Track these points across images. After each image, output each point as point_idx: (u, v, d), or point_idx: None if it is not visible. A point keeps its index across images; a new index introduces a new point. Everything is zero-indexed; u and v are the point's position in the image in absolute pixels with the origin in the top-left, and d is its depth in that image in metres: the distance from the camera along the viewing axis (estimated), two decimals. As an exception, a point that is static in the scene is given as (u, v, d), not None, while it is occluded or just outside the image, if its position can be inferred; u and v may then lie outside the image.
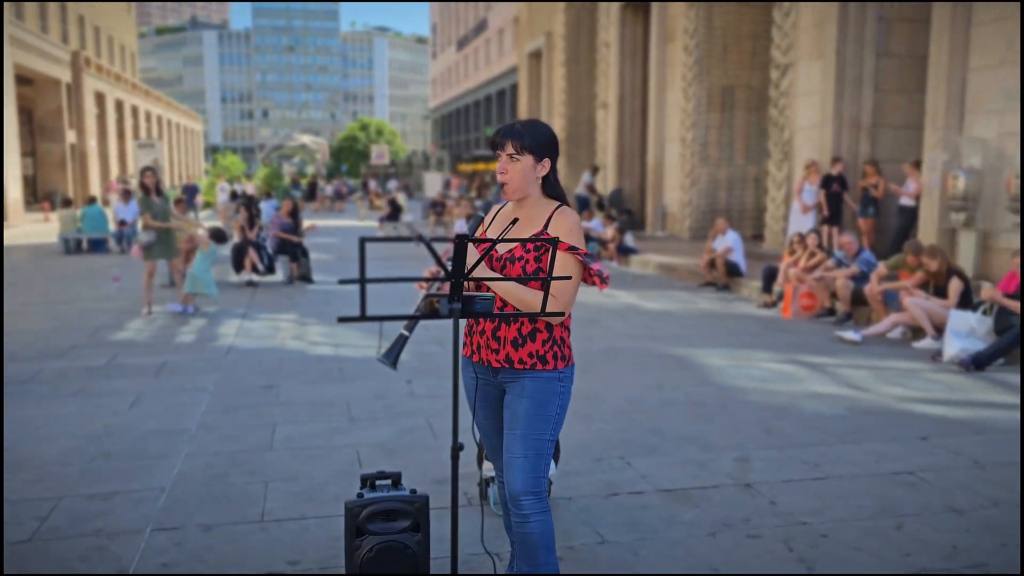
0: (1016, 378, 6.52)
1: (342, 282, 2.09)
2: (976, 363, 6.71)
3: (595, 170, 20.94)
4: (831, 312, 9.09)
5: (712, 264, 11.38)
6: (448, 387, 6.06)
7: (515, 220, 2.66)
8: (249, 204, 13.42)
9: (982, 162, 9.32)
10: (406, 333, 2.64)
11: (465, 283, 2.40)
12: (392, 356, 2.61)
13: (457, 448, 2.25)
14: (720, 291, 11.16)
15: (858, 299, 8.77)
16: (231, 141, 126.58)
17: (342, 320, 2.18)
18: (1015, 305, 6.93)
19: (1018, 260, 7.08)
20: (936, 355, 7.16)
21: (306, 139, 68.69)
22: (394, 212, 23.26)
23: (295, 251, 12.32)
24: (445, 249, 2.62)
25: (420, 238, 2.10)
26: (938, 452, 4.72)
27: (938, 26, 9.91)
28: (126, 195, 18.25)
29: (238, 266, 12.06)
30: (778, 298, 9.72)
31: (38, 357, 7.14)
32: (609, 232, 14.64)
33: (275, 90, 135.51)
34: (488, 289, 2.62)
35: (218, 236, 10.17)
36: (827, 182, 11.94)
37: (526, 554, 2.65)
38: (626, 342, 7.89)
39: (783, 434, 5.05)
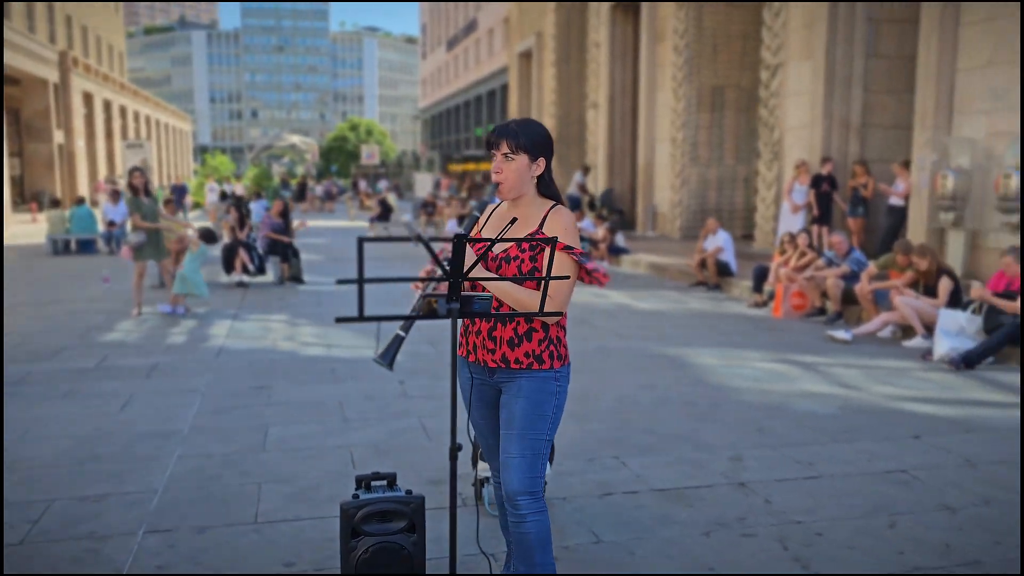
0: (1006, 376, 6.57)
1: (340, 282, 2.08)
2: (966, 362, 6.75)
3: (586, 170, 20.97)
4: (822, 311, 9.13)
5: (703, 264, 11.41)
6: (441, 387, 6.06)
7: (514, 219, 2.65)
8: (239, 204, 13.37)
9: (970, 162, 9.38)
10: (402, 334, 2.64)
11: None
12: (389, 357, 2.61)
13: (456, 449, 2.24)
14: (711, 291, 11.19)
15: (848, 298, 8.82)
16: (220, 141, 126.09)
17: (340, 320, 2.17)
18: (1004, 304, 6.97)
19: (1007, 259, 7.12)
20: (926, 354, 7.20)
21: (296, 139, 68.57)
22: (384, 212, 23.21)
23: (286, 251, 12.28)
24: (441, 249, 2.61)
25: (419, 238, 2.09)
26: (930, 450, 4.75)
27: (927, 27, 9.96)
28: (115, 196, 18.16)
29: (228, 267, 12.01)
30: (769, 298, 9.76)
31: (27, 359, 7.08)
32: (600, 232, 14.65)
33: (264, 90, 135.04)
34: (484, 289, 2.61)
35: (208, 237, 10.13)
36: (817, 182, 11.99)
37: (523, 554, 2.65)
38: (618, 342, 7.90)
39: (776, 433, 5.07)
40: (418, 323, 2.94)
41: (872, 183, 11.47)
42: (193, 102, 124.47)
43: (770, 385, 6.26)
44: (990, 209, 9.21)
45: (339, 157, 73.63)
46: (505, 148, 2.66)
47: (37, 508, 3.87)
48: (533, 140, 2.67)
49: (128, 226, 14.09)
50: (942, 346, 7.04)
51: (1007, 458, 4.62)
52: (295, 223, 13.54)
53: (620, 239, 14.70)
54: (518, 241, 2.56)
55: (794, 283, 9.28)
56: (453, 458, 2.24)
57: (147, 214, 9.37)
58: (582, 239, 14.53)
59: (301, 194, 36.62)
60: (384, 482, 3.06)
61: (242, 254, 11.91)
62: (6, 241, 19.70)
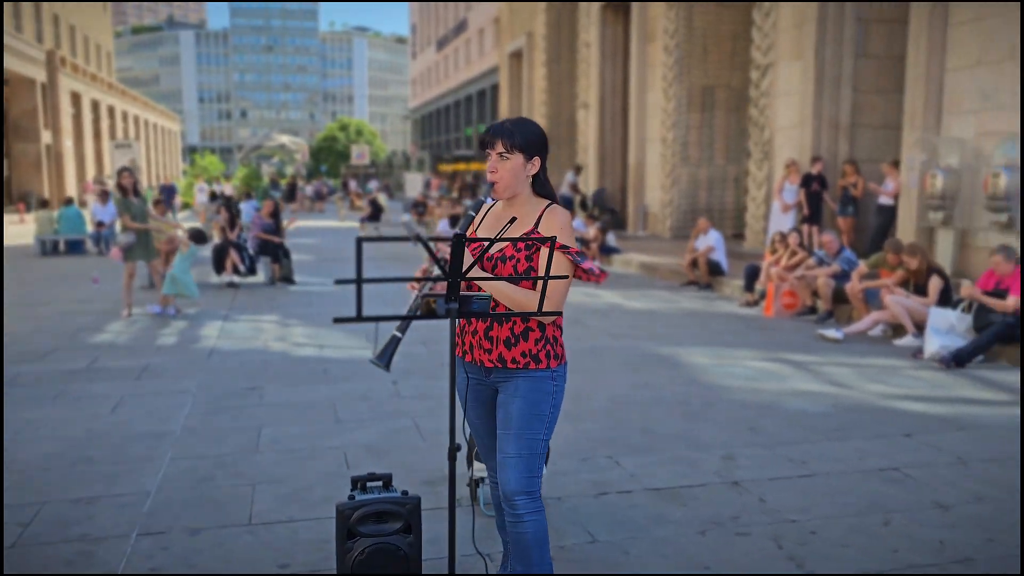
0: (996, 375, 6.61)
1: (338, 282, 2.07)
2: (956, 360, 6.79)
3: (578, 169, 20.99)
4: (813, 310, 9.16)
5: (694, 263, 11.43)
6: (434, 387, 6.05)
7: (513, 219, 2.65)
8: (228, 205, 13.32)
9: (959, 162, 9.43)
10: (399, 335, 2.63)
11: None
12: (386, 358, 2.60)
13: (455, 449, 2.24)
14: (702, 290, 11.21)
15: (839, 297, 8.85)
16: (209, 141, 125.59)
17: (338, 321, 2.16)
18: (994, 302, 7.01)
19: (996, 258, 7.16)
20: (917, 352, 7.24)
21: (285, 139, 68.33)
22: (375, 212, 23.15)
23: (277, 252, 12.24)
24: (437, 248, 2.60)
25: (418, 238, 2.09)
26: (922, 448, 4.77)
27: (915, 27, 10.01)
28: (103, 196, 18.05)
29: (219, 267, 11.96)
30: (760, 297, 9.79)
31: (16, 360, 7.03)
32: (591, 232, 14.67)
33: (253, 90, 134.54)
34: (480, 289, 2.61)
35: (198, 237, 10.08)
36: (807, 181, 12.03)
37: (520, 554, 2.64)
38: (610, 341, 7.91)
39: (769, 432, 5.08)
40: (412, 323, 2.94)
41: (862, 183, 11.52)
42: (182, 102, 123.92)
43: (762, 384, 6.28)
44: (979, 208, 9.26)
45: (329, 157, 73.44)
46: (500, 147, 2.65)
47: (29, 511, 3.84)
48: (528, 139, 2.67)
49: (117, 227, 14.01)
50: (932, 344, 7.08)
51: (998, 456, 4.65)
52: (285, 221, 13.51)
53: (611, 239, 14.72)
54: (514, 240, 2.56)
55: (785, 282, 9.32)
56: (452, 459, 2.24)
57: (136, 215, 9.32)
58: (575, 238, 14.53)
59: (291, 194, 36.48)
60: (380, 483, 3.05)
61: (232, 255, 11.86)
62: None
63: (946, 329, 7.14)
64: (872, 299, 8.33)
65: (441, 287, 2.23)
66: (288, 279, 12.19)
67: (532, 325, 2.62)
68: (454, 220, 15.72)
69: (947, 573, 3.28)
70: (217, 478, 4.29)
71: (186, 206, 32.99)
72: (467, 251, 2.49)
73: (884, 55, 11.88)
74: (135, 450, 4.72)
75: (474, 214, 2.84)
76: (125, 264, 9.36)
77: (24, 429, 5.10)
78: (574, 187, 20.21)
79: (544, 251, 2.59)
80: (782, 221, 12.29)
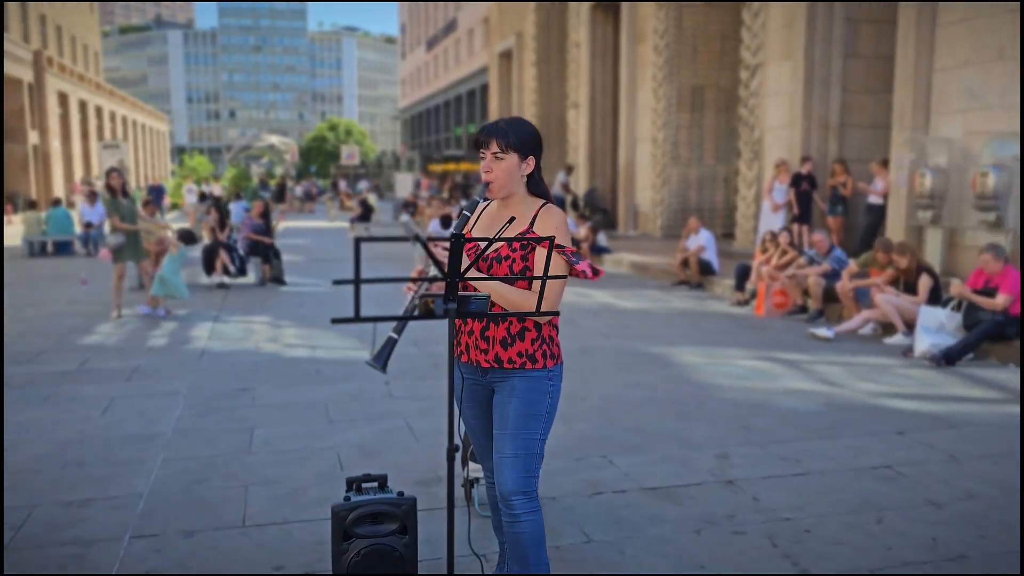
0: (986, 372, 6.65)
1: (336, 283, 2.06)
2: (946, 358, 6.83)
3: (569, 169, 21.00)
4: (803, 309, 9.19)
5: (685, 263, 11.46)
6: (426, 388, 6.04)
7: (512, 219, 2.64)
8: (218, 205, 13.27)
9: (948, 161, 9.48)
10: (395, 336, 2.62)
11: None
12: (382, 360, 2.59)
13: (453, 450, 2.23)
14: (693, 289, 11.24)
15: (830, 296, 8.89)
16: (197, 142, 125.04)
17: (336, 321, 2.15)
18: (983, 301, 7.06)
19: (986, 257, 7.20)
20: (907, 351, 7.27)
21: (274, 139, 68.06)
22: (365, 213, 23.11)
23: (267, 252, 12.20)
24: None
25: (416, 237, 2.08)
26: (914, 446, 4.79)
27: (904, 27, 10.06)
28: (92, 197, 17.94)
29: (209, 268, 11.91)
30: (751, 296, 9.82)
31: (6, 362, 6.97)
32: (582, 231, 14.68)
33: (242, 90, 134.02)
34: (476, 290, 2.60)
35: (187, 238, 10.03)
36: (797, 181, 12.07)
37: (517, 554, 2.64)
38: (602, 341, 7.92)
39: (761, 431, 5.10)
40: (405, 324, 2.93)
41: (851, 182, 11.58)
42: (170, 102, 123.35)
43: (754, 383, 6.30)
44: (967, 207, 9.31)
45: (318, 157, 73.21)
46: (495, 147, 2.65)
47: (20, 514, 3.81)
48: (522, 139, 2.67)
49: (106, 228, 13.92)
50: (923, 343, 7.12)
51: (990, 453, 4.68)
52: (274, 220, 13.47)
53: (602, 238, 14.73)
54: (509, 240, 2.55)
55: (776, 281, 9.35)
56: (451, 459, 2.23)
57: (126, 215, 9.27)
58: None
59: (280, 195, 36.36)
60: (375, 484, 3.04)
61: (223, 255, 11.81)
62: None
63: (936, 327, 7.18)
64: (862, 298, 8.36)
65: (439, 287, 2.22)
66: (279, 280, 12.15)
67: (528, 325, 2.62)
68: (445, 220, 15.69)
69: (941, 571, 3.29)
70: (210, 480, 4.27)
71: (175, 207, 32.83)
72: (464, 251, 2.49)
73: (873, 55, 11.94)
74: (127, 452, 4.69)
75: (469, 214, 2.84)
76: (115, 265, 9.30)
77: (14, 431, 5.05)
78: (565, 187, 20.22)
79: (539, 250, 2.59)
80: (772, 220, 12.33)
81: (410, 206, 23.55)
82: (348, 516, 2.87)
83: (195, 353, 7.38)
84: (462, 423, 2.90)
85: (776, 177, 12.48)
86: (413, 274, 2.52)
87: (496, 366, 2.64)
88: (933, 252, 9.67)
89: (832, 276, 8.91)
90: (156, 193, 27.92)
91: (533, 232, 2.63)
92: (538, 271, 2.57)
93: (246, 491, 4.10)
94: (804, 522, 3.73)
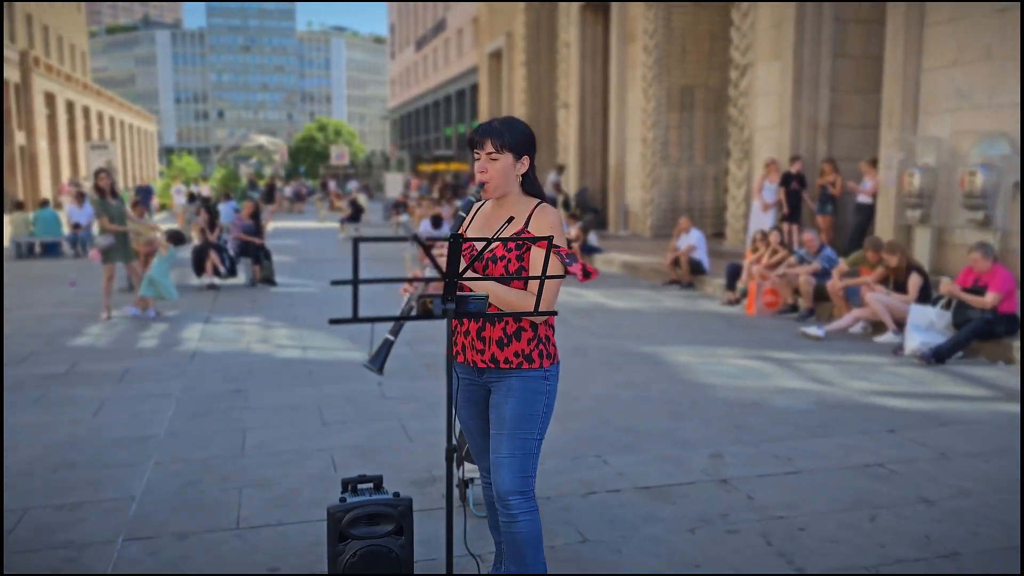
0: (975, 370, 6.69)
1: (335, 283, 2.06)
2: (936, 356, 6.87)
3: (560, 169, 21.02)
4: (794, 308, 9.23)
5: (676, 262, 11.49)
6: (419, 388, 6.03)
7: (511, 219, 2.64)
8: (208, 206, 13.21)
9: (936, 160, 9.54)
10: (391, 338, 2.62)
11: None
12: (379, 362, 2.59)
13: (451, 450, 2.23)
14: (684, 289, 11.27)
15: (820, 295, 8.93)
16: (186, 142, 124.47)
17: (334, 322, 2.15)
18: (973, 299, 7.10)
19: (975, 255, 7.25)
20: (897, 349, 7.31)
21: (263, 140, 67.74)
22: (355, 213, 23.03)
23: (257, 253, 12.15)
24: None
25: (415, 238, 2.08)
26: (905, 444, 4.82)
27: (892, 27, 10.12)
28: (80, 198, 17.84)
29: (199, 269, 11.86)
30: (742, 295, 9.85)
31: (-6, 365, 6.94)
32: (572, 231, 14.68)
33: (230, 90, 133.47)
34: (471, 290, 2.60)
35: (176, 239, 9.99)
36: (787, 180, 12.12)
37: (514, 554, 2.64)
38: (594, 340, 7.93)
39: (754, 429, 5.12)
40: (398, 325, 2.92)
41: (840, 181, 11.63)
42: (158, 102, 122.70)
43: (746, 382, 6.32)
44: (956, 206, 9.37)
45: (307, 158, 73.01)
46: (489, 147, 2.65)
47: (11, 517, 3.79)
48: (517, 139, 2.67)
49: (94, 229, 13.85)
50: (913, 341, 7.16)
51: (980, 450, 4.71)
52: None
53: (593, 238, 14.73)
54: (504, 240, 2.55)
55: (766, 280, 9.38)
56: (449, 459, 2.23)
57: (115, 216, 9.22)
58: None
59: (269, 195, 36.21)
60: (371, 485, 3.04)
61: (212, 256, 11.76)
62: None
63: (926, 326, 7.23)
64: (852, 297, 8.41)
65: (435, 288, 2.22)
66: (269, 280, 12.11)
67: (524, 325, 2.62)
68: (435, 220, 15.68)
69: (934, 568, 3.31)
70: (203, 482, 4.25)
71: (163, 207, 32.66)
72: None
73: (862, 55, 12.00)
74: (119, 454, 4.67)
75: (464, 215, 2.83)
76: (104, 266, 9.25)
77: (5, 434, 5.02)
78: (557, 187, 20.23)
79: (535, 250, 2.59)
80: (762, 220, 12.37)
81: (400, 206, 23.50)
82: (344, 517, 2.86)
83: (186, 355, 7.35)
84: (458, 423, 2.90)
85: (766, 176, 12.52)
86: (409, 274, 2.50)
87: (492, 366, 2.64)
88: (922, 251, 9.73)
89: (822, 275, 8.95)
90: (144, 194, 27.75)
91: (528, 232, 2.63)
92: (534, 271, 2.57)
93: (240, 493, 4.08)
94: (798, 520, 3.75)
